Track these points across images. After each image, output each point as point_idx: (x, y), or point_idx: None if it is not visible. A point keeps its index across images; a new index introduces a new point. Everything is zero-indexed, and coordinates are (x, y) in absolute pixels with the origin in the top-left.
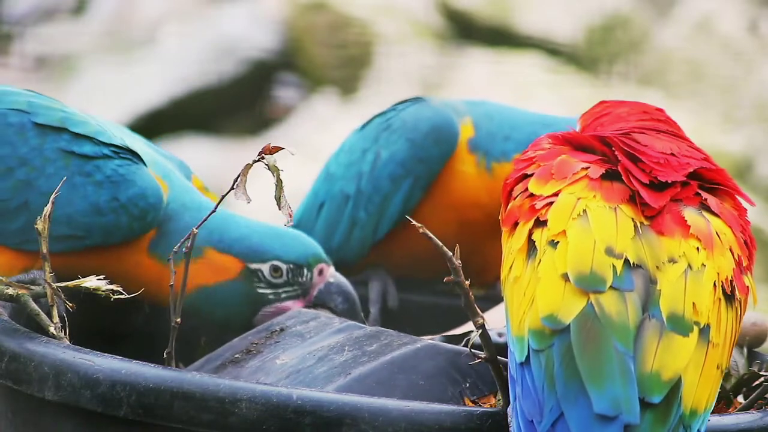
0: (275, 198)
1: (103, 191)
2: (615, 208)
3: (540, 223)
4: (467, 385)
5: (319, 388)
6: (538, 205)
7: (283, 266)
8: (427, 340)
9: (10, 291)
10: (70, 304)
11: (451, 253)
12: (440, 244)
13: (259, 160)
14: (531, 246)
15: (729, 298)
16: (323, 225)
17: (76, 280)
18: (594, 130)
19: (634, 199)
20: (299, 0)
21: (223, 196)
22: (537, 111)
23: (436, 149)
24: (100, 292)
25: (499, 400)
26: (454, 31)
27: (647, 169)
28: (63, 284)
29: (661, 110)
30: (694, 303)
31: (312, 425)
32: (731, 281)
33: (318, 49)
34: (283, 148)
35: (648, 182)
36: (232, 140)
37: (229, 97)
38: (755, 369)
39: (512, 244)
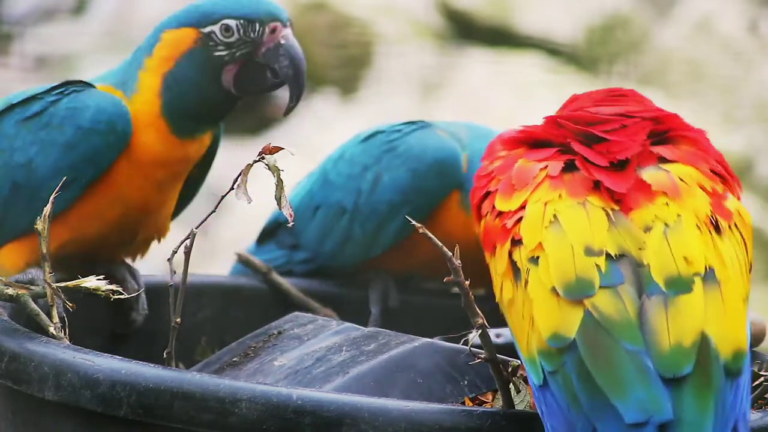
0: (275, 198)
1: (66, 129)
2: (583, 203)
3: (516, 242)
4: (465, 382)
5: (318, 387)
6: (509, 223)
7: (233, 23)
8: (425, 339)
9: (10, 291)
10: (71, 304)
11: (450, 254)
12: (440, 244)
13: (259, 160)
14: (514, 267)
15: (717, 230)
16: (317, 229)
17: (76, 281)
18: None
19: (598, 185)
20: (299, 0)
21: (223, 196)
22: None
23: (437, 183)
24: (100, 292)
25: (497, 398)
26: (454, 31)
27: (603, 149)
28: (63, 284)
29: (631, 90)
30: (684, 257)
31: (312, 425)
32: (713, 215)
33: (318, 49)
34: (283, 148)
35: (608, 164)
36: (232, 140)
37: None
38: (755, 369)
39: (497, 267)
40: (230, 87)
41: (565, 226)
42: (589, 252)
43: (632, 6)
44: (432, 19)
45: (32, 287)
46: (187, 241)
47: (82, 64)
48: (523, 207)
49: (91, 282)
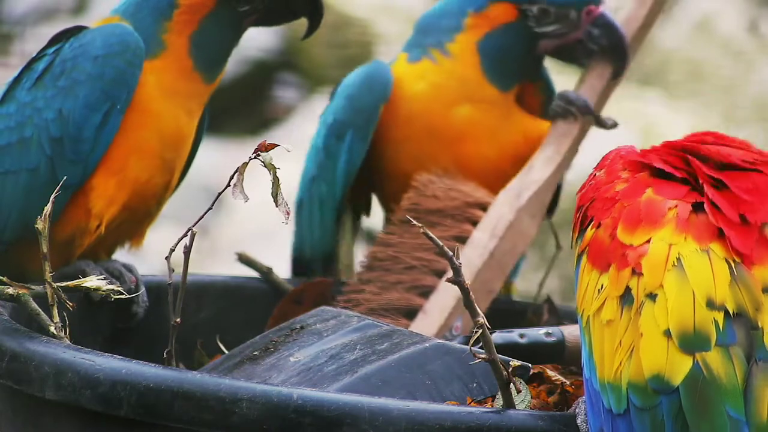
0: (272, 195)
1: (83, 65)
2: (707, 251)
3: (636, 273)
4: (474, 385)
5: (326, 386)
6: (630, 255)
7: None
8: (437, 340)
9: (10, 291)
10: (71, 304)
11: (451, 253)
12: (440, 243)
13: (255, 158)
14: (627, 292)
15: None
16: None
17: (76, 280)
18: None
19: (723, 232)
20: None
21: (219, 194)
22: None
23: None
24: (100, 292)
25: (498, 398)
26: None
27: (734, 203)
28: (63, 284)
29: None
30: None
31: (312, 425)
32: None
33: (318, 49)
34: (278, 145)
35: (737, 218)
36: (232, 140)
37: (229, 97)
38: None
39: (605, 284)
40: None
41: (688, 272)
42: (710, 305)
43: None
44: None
45: (33, 287)
46: (186, 240)
47: None
48: (647, 242)
49: (92, 281)
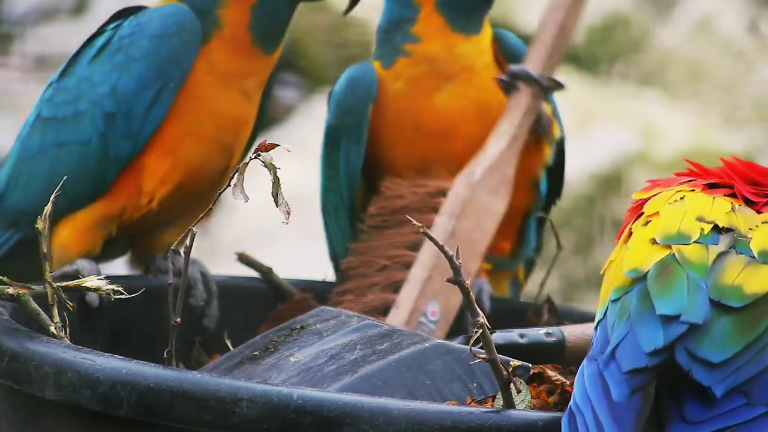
0: (272, 195)
1: (140, 43)
2: (714, 197)
3: (639, 216)
4: (474, 385)
5: (326, 386)
6: (638, 205)
7: None
8: (437, 340)
9: (10, 291)
10: (71, 304)
11: (451, 253)
12: (440, 244)
13: (255, 158)
14: (629, 234)
15: None
16: None
17: (77, 280)
18: None
19: (734, 195)
20: None
21: (219, 194)
22: None
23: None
24: (101, 292)
25: (498, 398)
26: None
27: (752, 187)
28: (63, 284)
29: None
30: None
31: (313, 425)
32: None
33: (318, 49)
34: (278, 145)
35: (752, 191)
36: None
37: None
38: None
39: (619, 245)
40: None
41: (687, 203)
42: (700, 219)
43: (632, 6)
44: None
45: (33, 287)
46: (186, 240)
47: None
48: (656, 194)
49: (92, 282)
